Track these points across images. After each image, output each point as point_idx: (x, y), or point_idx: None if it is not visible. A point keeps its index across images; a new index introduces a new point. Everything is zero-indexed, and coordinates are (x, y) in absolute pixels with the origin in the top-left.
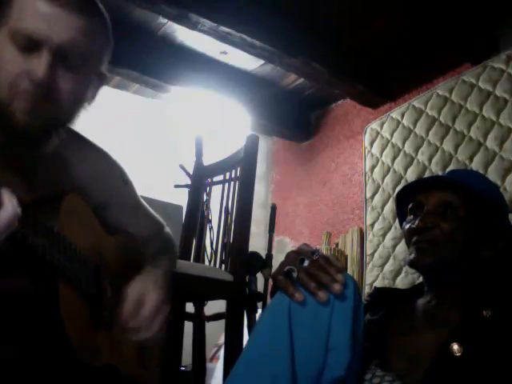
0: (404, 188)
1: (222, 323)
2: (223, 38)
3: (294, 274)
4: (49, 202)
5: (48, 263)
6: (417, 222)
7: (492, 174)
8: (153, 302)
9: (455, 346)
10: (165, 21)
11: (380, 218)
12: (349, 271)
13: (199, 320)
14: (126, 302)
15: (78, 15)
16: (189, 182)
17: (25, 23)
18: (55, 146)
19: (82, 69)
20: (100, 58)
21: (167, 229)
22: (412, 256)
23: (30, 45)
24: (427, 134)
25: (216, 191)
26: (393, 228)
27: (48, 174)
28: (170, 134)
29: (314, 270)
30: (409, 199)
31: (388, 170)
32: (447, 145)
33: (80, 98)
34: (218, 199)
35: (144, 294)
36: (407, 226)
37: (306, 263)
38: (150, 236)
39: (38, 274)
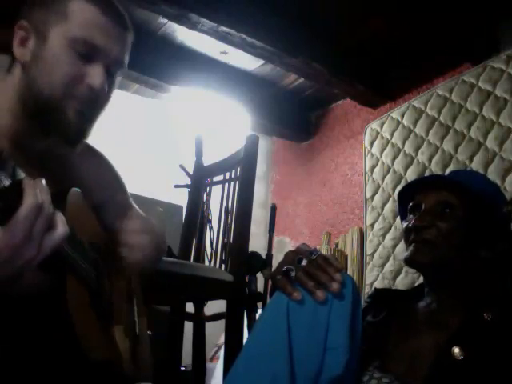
0: (405, 187)
1: (222, 323)
2: (223, 38)
3: (293, 274)
4: (56, 196)
5: (59, 255)
6: (414, 220)
7: (492, 174)
8: (141, 225)
9: (456, 350)
10: (165, 21)
11: (380, 217)
12: (349, 271)
13: (199, 320)
14: (133, 222)
15: (121, 28)
16: (189, 182)
17: (87, 32)
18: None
19: (115, 77)
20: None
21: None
22: (408, 254)
23: (90, 53)
24: (427, 134)
25: (216, 191)
26: (393, 228)
27: (57, 172)
28: (170, 134)
29: (312, 269)
30: (409, 198)
31: (388, 170)
32: (447, 145)
33: (109, 100)
34: (218, 199)
35: (132, 221)
36: (405, 225)
37: (305, 263)
38: None
39: (50, 266)
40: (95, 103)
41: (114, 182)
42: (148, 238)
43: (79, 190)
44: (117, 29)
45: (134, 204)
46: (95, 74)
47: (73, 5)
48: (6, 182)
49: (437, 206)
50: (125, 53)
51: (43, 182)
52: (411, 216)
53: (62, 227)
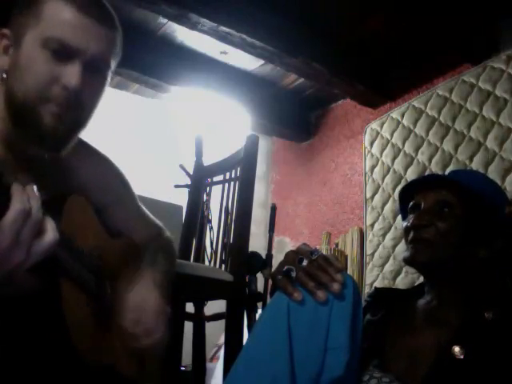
0: (405, 187)
1: (222, 323)
2: (223, 38)
3: (293, 274)
4: (53, 202)
5: (53, 260)
6: (412, 219)
7: (492, 174)
8: (154, 304)
9: (456, 348)
10: (165, 21)
11: (380, 218)
12: (349, 271)
13: (199, 320)
14: (127, 308)
15: (103, 26)
16: (189, 182)
17: (60, 31)
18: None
19: (101, 75)
20: (114, 65)
21: (167, 232)
22: (407, 254)
23: (64, 52)
24: (427, 134)
25: (216, 191)
26: (393, 228)
27: (54, 176)
28: (170, 134)
29: (312, 269)
30: (410, 198)
31: (388, 170)
32: (447, 145)
33: (97, 102)
34: (218, 199)
35: (144, 298)
36: (405, 224)
37: (305, 263)
38: (149, 239)
39: (42, 271)
40: (74, 104)
41: (119, 185)
42: (148, 325)
43: (80, 197)
44: (97, 27)
45: (145, 211)
46: (70, 73)
47: (47, 6)
48: None
49: (435, 206)
50: (108, 50)
51: (34, 187)
52: (411, 216)
53: (51, 233)
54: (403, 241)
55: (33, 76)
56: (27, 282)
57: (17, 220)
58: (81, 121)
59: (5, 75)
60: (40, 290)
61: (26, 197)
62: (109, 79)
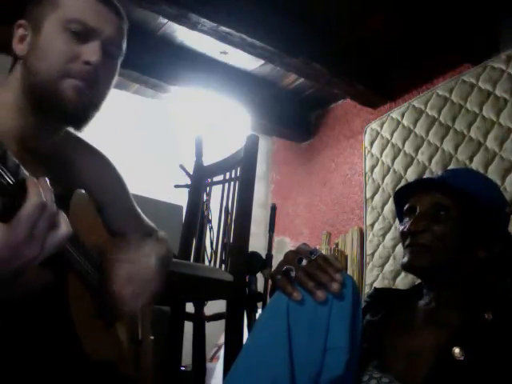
0: (399, 190)
1: (222, 323)
2: (223, 38)
3: (293, 274)
4: (59, 198)
5: (61, 254)
6: (409, 225)
7: (492, 174)
8: (150, 269)
9: (457, 350)
10: (165, 21)
11: (380, 217)
12: (349, 271)
13: (199, 320)
14: (123, 266)
15: (113, 13)
16: (189, 182)
17: (81, 14)
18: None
19: (114, 60)
20: (123, 53)
21: (161, 232)
22: (405, 259)
23: (84, 33)
24: (427, 134)
25: (216, 191)
26: (393, 228)
27: (60, 173)
28: (170, 134)
29: (312, 269)
30: (405, 200)
31: (388, 170)
32: (447, 145)
33: (110, 87)
34: (218, 199)
35: (143, 260)
36: (401, 229)
37: (305, 263)
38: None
39: (52, 264)
40: (94, 79)
41: (117, 186)
42: (137, 288)
43: (84, 192)
44: (109, 12)
45: (140, 211)
46: (91, 50)
47: None
48: (10, 180)
49: (431, 209)
50: (118, 36)
51: (47, 180)
52: (407, 219)
53: (65, 227)
54: (401, 244)
55: (54, 55)
56: (37, 277)
57: (33, 213)
58: (97, 100)
59: (19, 63)
60: (48, 285)
61: (41, 190)
62: (118, 67)
